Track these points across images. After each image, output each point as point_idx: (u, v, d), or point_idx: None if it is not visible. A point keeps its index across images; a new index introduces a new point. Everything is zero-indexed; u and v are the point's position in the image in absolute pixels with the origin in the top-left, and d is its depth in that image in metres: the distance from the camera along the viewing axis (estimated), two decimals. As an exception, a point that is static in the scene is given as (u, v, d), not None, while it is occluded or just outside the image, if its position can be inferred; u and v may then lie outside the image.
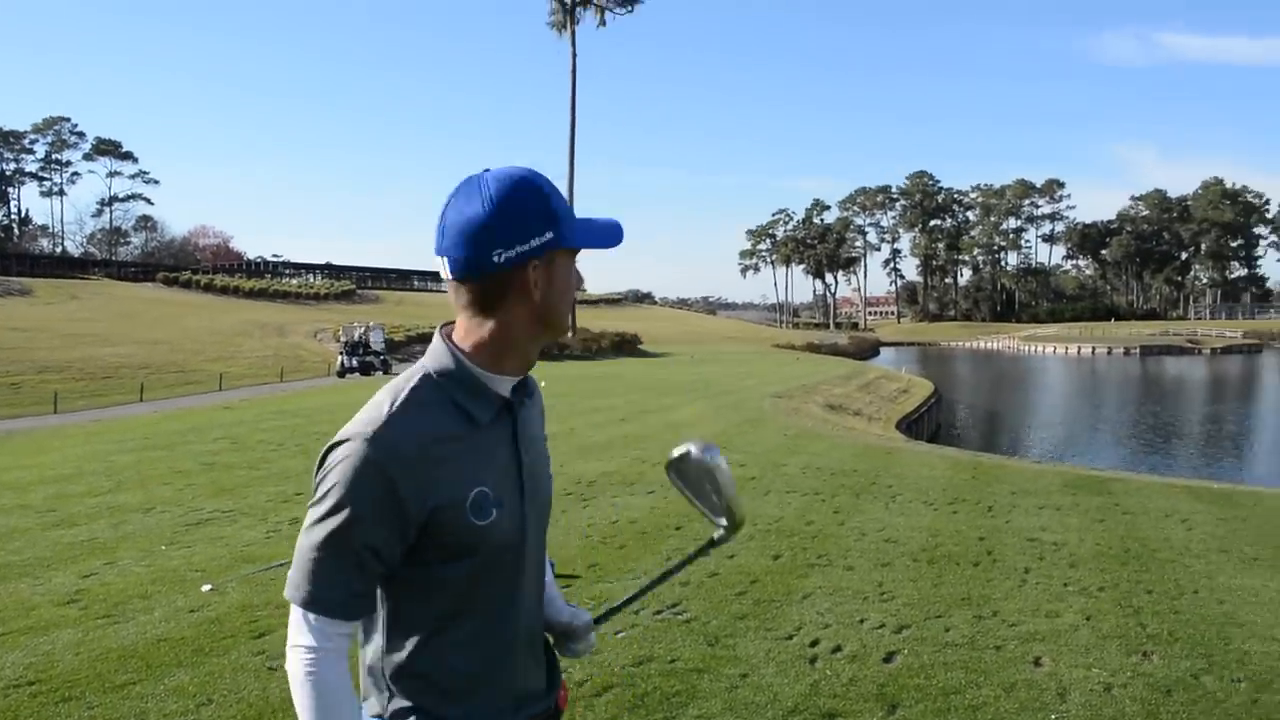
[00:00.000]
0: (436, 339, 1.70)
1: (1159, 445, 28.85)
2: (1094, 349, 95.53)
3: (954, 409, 40.30)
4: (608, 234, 1.71)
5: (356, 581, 1.57)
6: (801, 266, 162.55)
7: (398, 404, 1.59)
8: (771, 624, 5.95)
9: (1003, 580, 7.04)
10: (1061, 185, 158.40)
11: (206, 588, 6.82)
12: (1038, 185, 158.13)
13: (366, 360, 39.68)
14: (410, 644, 1.63)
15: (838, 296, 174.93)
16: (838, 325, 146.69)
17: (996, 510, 9.84)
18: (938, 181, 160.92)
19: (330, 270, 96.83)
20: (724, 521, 1.93)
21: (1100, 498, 10.57)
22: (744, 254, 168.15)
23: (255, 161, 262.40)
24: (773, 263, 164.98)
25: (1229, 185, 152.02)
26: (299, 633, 1.57)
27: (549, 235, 1.62)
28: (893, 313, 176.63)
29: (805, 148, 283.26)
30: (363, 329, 41.80)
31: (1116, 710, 4.67)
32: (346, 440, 1.56)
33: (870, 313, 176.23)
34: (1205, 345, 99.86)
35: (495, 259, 1.59)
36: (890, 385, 37.56)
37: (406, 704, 1.63)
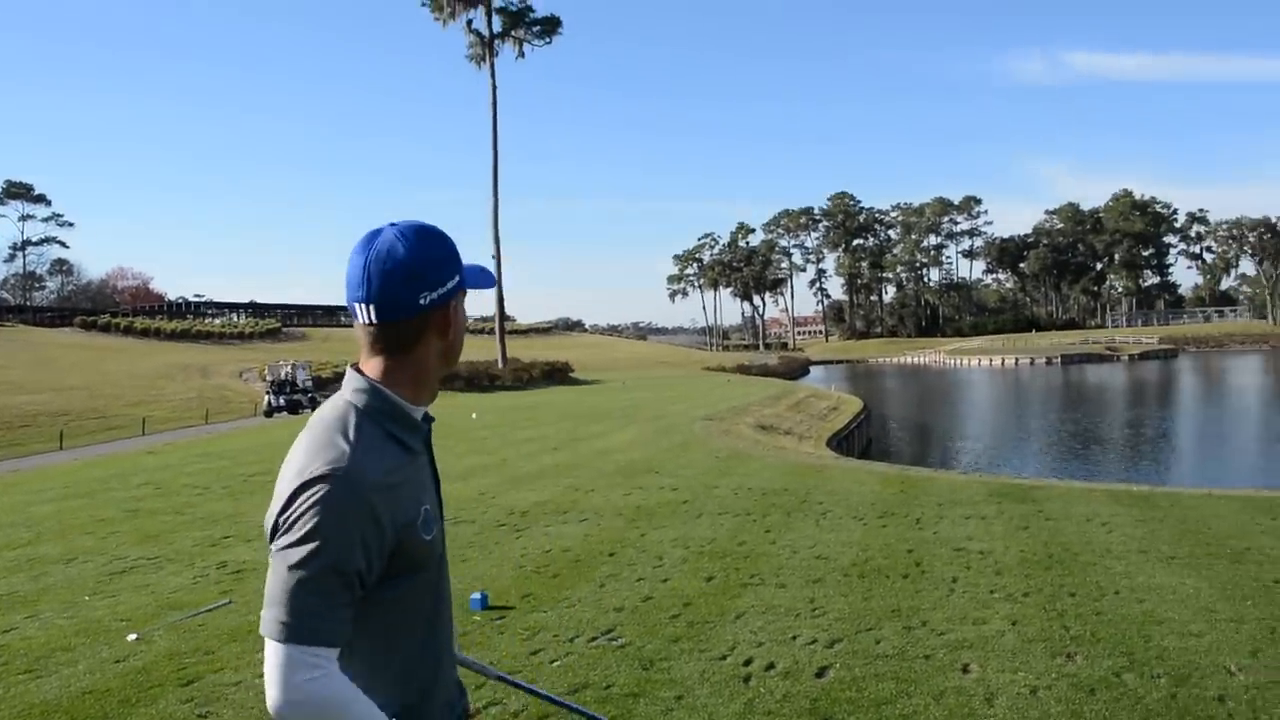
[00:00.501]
0: (357, 378, 1.81)
1: (1081, 452, 29.49)
2: (1017, 360, 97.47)
3: (884, 424, 40.82)
4: (486, 277, 1.96)
5: (346, 609, 1.64)
6: (729, 289, 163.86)
7: (353, 440, 1.70)
8: (706, 645, 5.98)
9: (931, 591, 7.16)
10: (979, 202, 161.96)
11: (132, 637, 6.67)
12: (956, 202, 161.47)
13: (294, 399, 39.07)
14: (370, 659, 1.73)
15: (766, 317, 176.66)
16: (767, 346, 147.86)
17: (924, 522, 10.00)
18: (858, 202, 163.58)
19: (254, 309, 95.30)
20: None
21: (1024, 505, 10.80)
22: (672, 279, 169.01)
23: (175, 201, 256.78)
24: (701, 286, 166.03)
25: (1138, 197, 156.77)
26: (293, 669, 1.59)
27: (458, 279, 1.85)
28: (821, 331, 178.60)
29: (729, 172, 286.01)
30: (289, 367, 41.22)
31: (1042, 712, 4.78)
32: (320, 478, 1.64)
33: (799, 332, 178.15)
34: (1123, 352, 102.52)
35: (422, 301, 1.77)
36: (820, 403, 37.94)
37: (393, 700, 1.74)
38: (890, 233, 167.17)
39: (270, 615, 1.62)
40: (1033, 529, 9.43)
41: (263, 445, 23.07)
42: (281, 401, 38.64)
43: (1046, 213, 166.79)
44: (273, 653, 1.61)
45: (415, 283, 1.76)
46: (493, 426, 26.10)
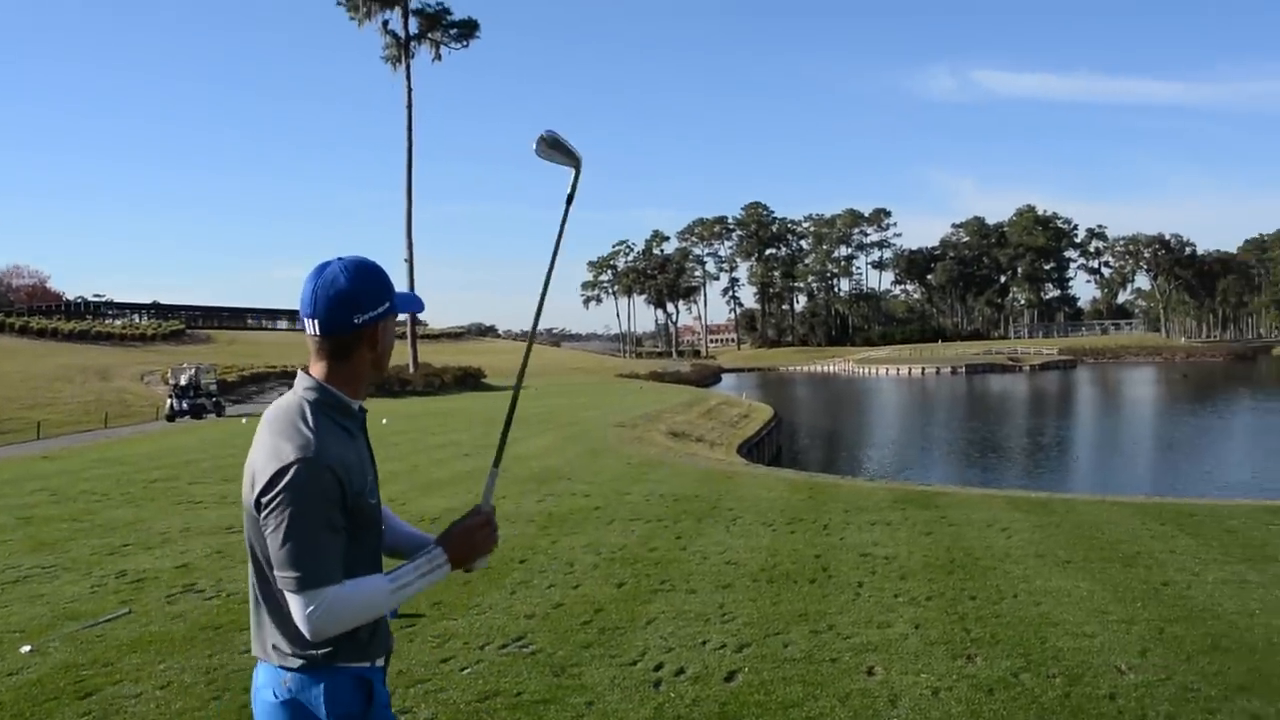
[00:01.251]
0: (306, 378, 2.27)
1: (981, 459, 30.27)
2: (924, 369, 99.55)
3: (794, 431, 41.36)
4: (415, 303, 2.49)
5: (338, 554, 2.11)
6: (643, 296, 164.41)
7: (314, 428, 2.16)
8: (616, 651, 6.02)
9: (838, 595, 7.30)
10: (888, 214, 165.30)
11: (26, 649, 6.46)
12: (866, 214, 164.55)
13: (198, 403, 38.09)
14: None
15: (679, 325, 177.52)
16: (680, 353, 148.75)
17: (832, 528, 10.18)
18: (772, 212, 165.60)
19: (157, 310, 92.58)
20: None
21: (928, 511, 11.06)
22: (586, 285, 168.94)
23: (74, 198, 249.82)
24: (615, 293, 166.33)
25: (1041, 212, 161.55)
26: (313, 602, 2.05)
27: (387, 304, 2.31)
28: (733, 339, 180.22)
29: (644, 180, 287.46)
30: (193, 370, 40.07)
31: (943, 712, 4.91)
32: (296, 461, 2.08)
33: (711, 340, 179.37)
34: (1025, 362, 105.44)
35: (355, 321, 2.25)
36: (731, 411, 38.28)
37: (329, 651, 2.16)
38: (802, 243, 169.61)
39: (285, 576, 2.07)
40: (936, 534, 9.66)
41: (165, 450, 22.49)
42: (185, 405, 37.64)
43: (953, 226, 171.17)
44: (295, 602, 2.06)
45: (351, 307, 2.23)
46: (404, 432, 25.83)
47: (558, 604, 7.18)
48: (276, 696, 2.17)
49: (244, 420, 34.04)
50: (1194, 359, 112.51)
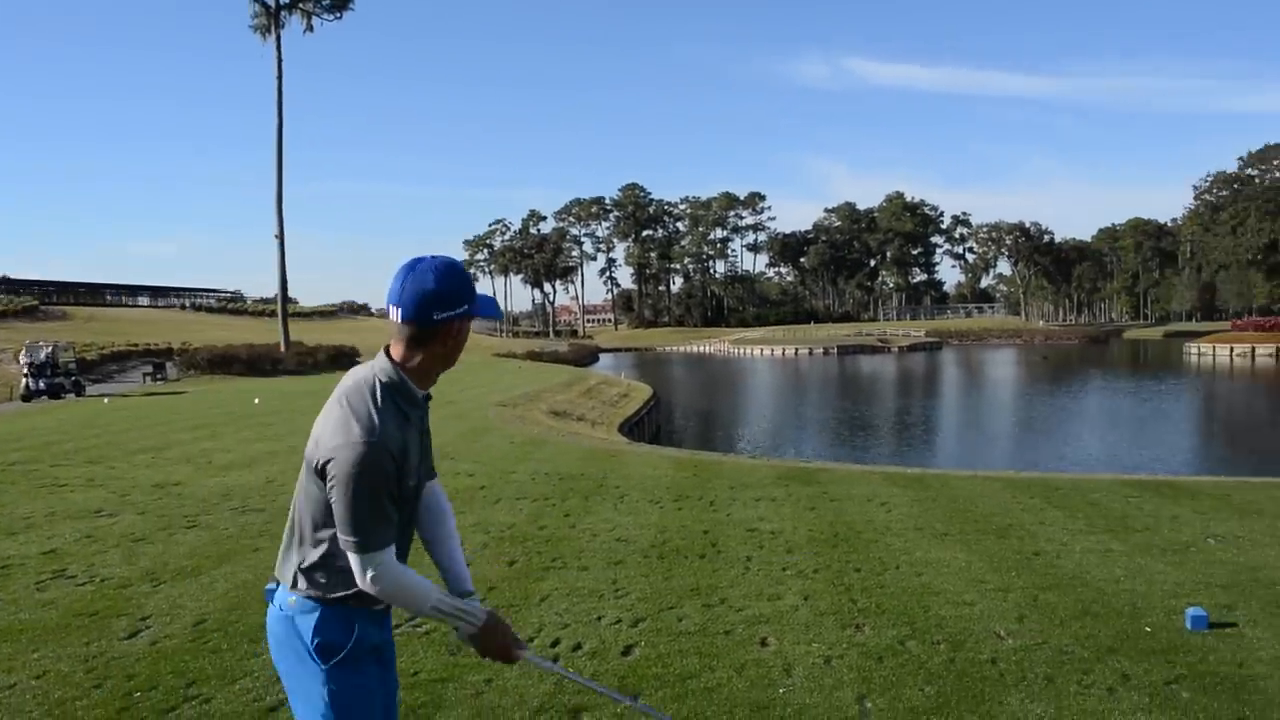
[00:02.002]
0: (385, 359, 2.54)
1: (852, 438, 31.06)
2: (797, 350, 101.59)
3: (672, 411, 41.72)
4: (496, 311, 2.79)
5: (392, 521, 2.46)
6: (520, 276, 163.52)
7: (380, 410, 2.44)
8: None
9: (728, 569, 7.42)
10: (763, 198, 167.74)
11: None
12: (741, 198, 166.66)
13: (55, 382, 36.28)
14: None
15: (557, 305, 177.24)
16: (557, 333, 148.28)
17: (718, 504, 10.33)
18: (649, 194, 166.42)
19: (7, 285, 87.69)
20: None
21: (810, 487, 11.31)
22: (462, 264, 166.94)
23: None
24: (491, 273, 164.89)
25: (909, 199, 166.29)
26: (371, 564, 2.41)
27: (466, 307, 2.53)
28: (610, 320, 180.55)
29: (520, 159, 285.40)
30: (50, 348, 38.12)
31: (836, 680, 5.05)
32: (363, 445, 2.37)
33: (589, 320, 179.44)
34: (894, 344, 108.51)
35: (435, 317, 2.49)
36: (611, 390, 38.41)
37: (343, 594, 2.50)
38: (679, 225, 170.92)
39: (347, 539, 2.40)
40: (819, 509, 9.89)
41: (22, 432, 21.41)
42: (42, 385, 35.82)
43: (826, 210, 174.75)
44: (355, 561, 2.41)
45: (433, 304, 2.47)
46: (278, 412, 25.16)
47: (449, 583, 7.12)
48: (282, 611, 2.56)
49: (106, 400, 32.69)
50: (1051, 341, 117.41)
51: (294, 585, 2.54)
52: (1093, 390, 49.84)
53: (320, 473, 2.43)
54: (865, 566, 7.44)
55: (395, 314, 2.49)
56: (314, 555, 2.51)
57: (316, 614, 2.51)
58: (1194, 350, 78.40)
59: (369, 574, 2.41)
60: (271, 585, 2.61)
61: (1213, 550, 7.87)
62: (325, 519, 2.48)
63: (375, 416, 2.41)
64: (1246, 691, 4.82)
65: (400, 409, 2.50)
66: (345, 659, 2.52)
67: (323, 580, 2.51)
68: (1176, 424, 34.12)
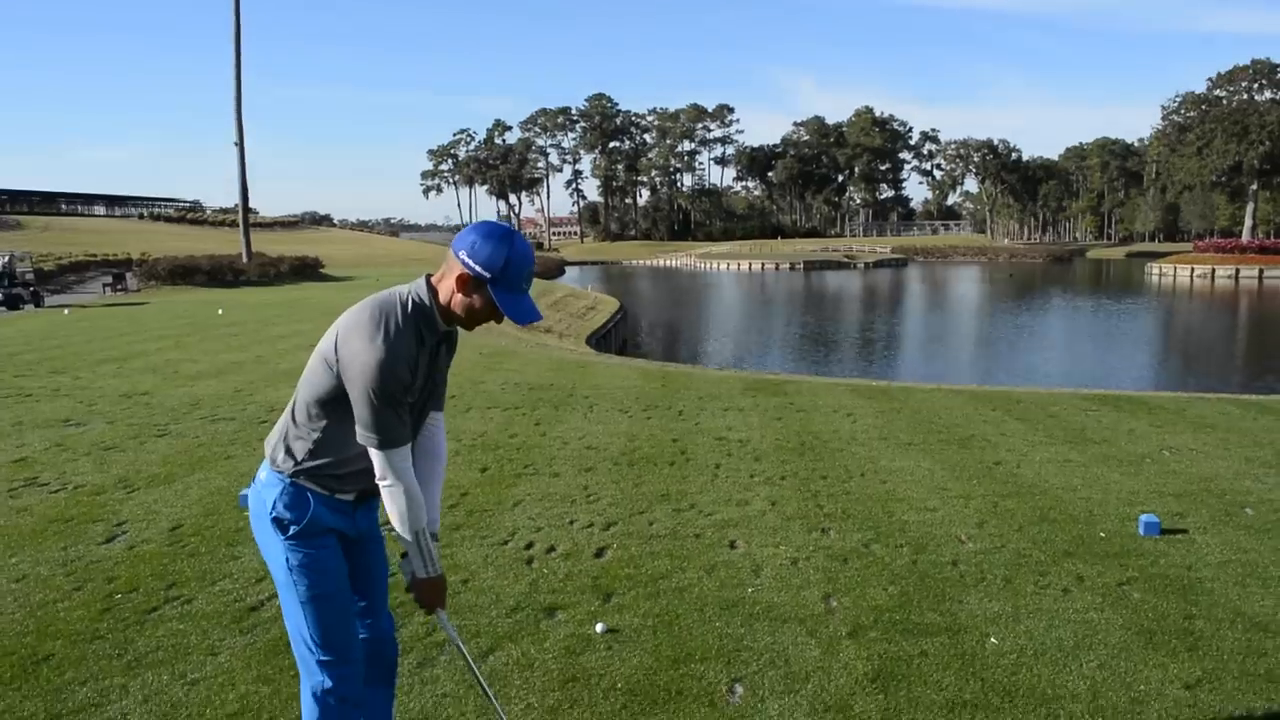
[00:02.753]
0: (423, 282, 2.70)
1: (815, 352, 31.33)
2: (763, 265, 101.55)
3: (639, 323, 41.81)
4: (520, 314, 2.68)
5: (406, 422, 2.65)
6: (485, 187, 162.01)
7: (401, 327, 2.60)
8: (486, 532, 6.13)
9: (697, 476, 7.57)
10: (731, 110, 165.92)
11: None
12: (709, 110, 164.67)
13: (13, 293, 35.62)
14: (333, 442, 2.70)
15: (522, 217, 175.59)
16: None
17: (686, 414, 10.47)
18: (616, 104, 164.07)
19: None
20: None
21: (777, 398, 11.47)
22: (426, 174, 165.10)
23: None
24: (455, 184, 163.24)
25: (878, 114, 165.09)
26: (390, 461, 2.61)
27: (488, 275, 2.60)
28: (576, 233, 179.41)
29: (485, 67, 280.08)
30: (6, 258, 37.41)
31: (803, 580, 5.21)
32: (382, 351, 2.55)
33: (554, 233, 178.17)
34: (859, 260, 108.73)
35: (458, 252, 2.62)
36: (578, 303, 38.38)
37: (305, 477, 2.74)
38: (646, 137, 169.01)
39: (366, 435, 2.59)
40: (785, 420, 10.06)
41: (-19, 341, 21.12)
42: (-1, 296, 35.29)
43: (794, 124, 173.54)
44: (377, 457, 2.60)
45: (466, 245, 2.61)
46: (242, 323, 24.97)
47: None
48: (256, 484, 2.84)
49: (66, 312, 32.23)
50: (1015, 260, 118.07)
51: (271, 461, 2.79)
52: (1053, 309, 50.37)
53: (333, 365, 2.63)
54: (831, 474, 7.61)
55: (463, 254, 2.64)
56: (291, 435, 2.76)
57: (278, 489, 2.75)
58: (1155, 271, 79.11)
59: (388, 469, 2.61)
60: (245, 490, 2.93)
61: (1167, 461, 8.11)
62: (313, 405, 2.71)
63: (397, 328, 2.59)
64: (1194, 593, 5.03)
65: (419, 329, 2.66)
66: (300, 534, 2.73)
67: (290, 460, 2.75)
68: (1134, 342, 34.65)
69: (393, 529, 2.74)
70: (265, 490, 2.78)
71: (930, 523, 6.26)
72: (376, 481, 2.66)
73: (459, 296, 2.66)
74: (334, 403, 2.66)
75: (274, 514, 2.74)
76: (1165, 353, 32.98)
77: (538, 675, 4.08)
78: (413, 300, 2.67)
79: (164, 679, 4.06)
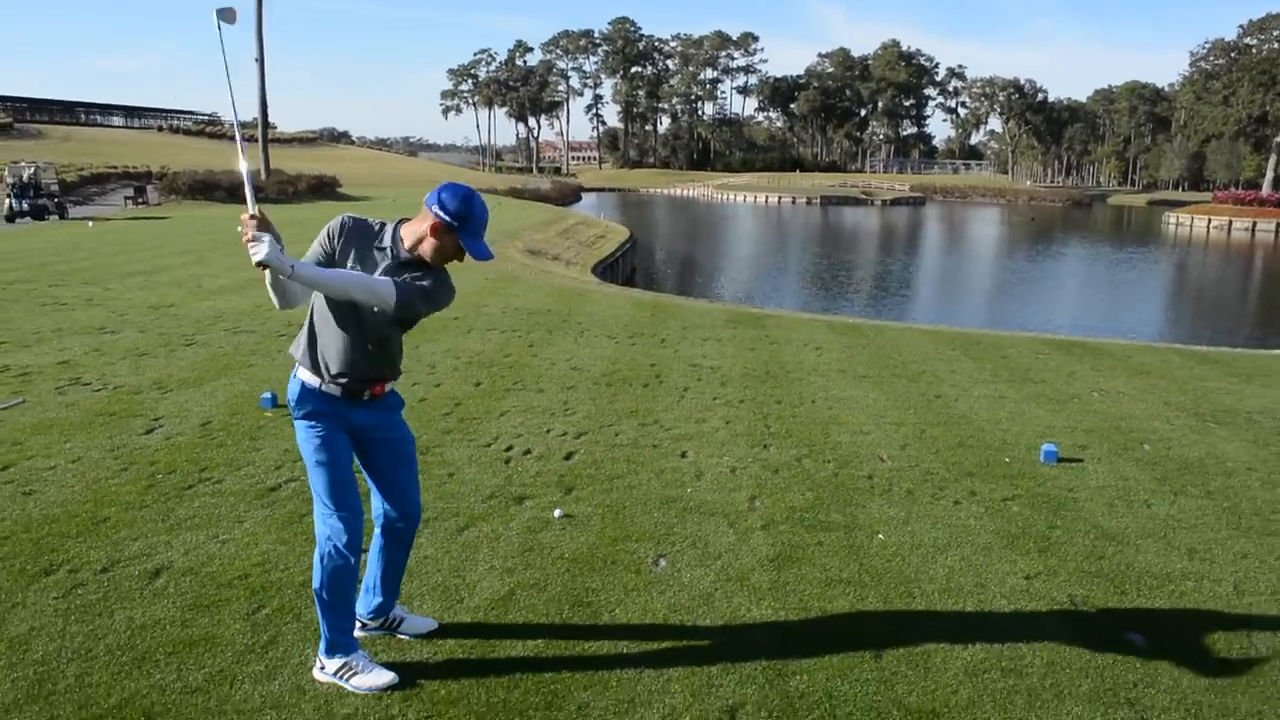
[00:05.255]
0: (395, 223, 3.56)
1: (818, 288, 32.14)
2: (780, 198, 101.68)
3: (650, 253, 42.59)
4: (479, 251, 3.54)
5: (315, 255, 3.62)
6: (504, 109, 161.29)
7: (361, 222, 3.58)
8: (473, 436, 7.09)
9: (665, 397, 8.52)
10: (756, 39, 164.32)
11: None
12: (734, 38, 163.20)
13: (39, 203, 36.46)
14: (312, 335, 3.60)
15: (541, 140, 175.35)
16: (541, 170, 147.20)
17: (668, 342, 11.40)
18: (639, 29, 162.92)
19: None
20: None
21: (755, 330, 12.39)
22: (445, 94, 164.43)
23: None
24: (475, 104, 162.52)
25: (905, 48, 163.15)
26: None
27: (455, 224, 3.43)
28: (595, 158, 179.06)
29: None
30: (32, 169, 38.20)
31: (735, 484, 6.17)
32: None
33: (573, 158, 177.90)
34: (877, 197, 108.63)
35: (429, 205, 3.42)
36: (588, 231, 39.12)
37: (301, 369, 3.61)
38: (668, 63, 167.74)
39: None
40: (758, 350, 10.98)
41: (13, 252, 22.08)
42: (25, 206, 36.06)
43: (819, 55, 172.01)
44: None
45: (436, 201, 3.42)
46: (261, 240, 25.83)
47: (422, 399, 8.18)
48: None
49: (90, 224, 33.18)
50: (1035, 203, 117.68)
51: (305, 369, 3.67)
52: (1056, 255, 50.83)
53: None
54: (785, 399, 8.54)
55: (437, 208, 3.44)
56: (300, 334, 3.65)
57: (291, 377, 3.68)
58: (1172, 220, 79.04)
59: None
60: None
61: (1093, 401, 9.00)
62: (309, 309, 3.63)
63: (354, 216, 3.62)
64: (1065, 509, 5.95)
65: (380, 245, 3.55)
66: (302, 415, 3.62)
67: (295, 354, 3.65)
68: (1130, 293, 35.29)
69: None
70: (291, 378, 3.67)
71: (860, 444, 7.19)
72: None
73: (431, 240, 3.45)
74: (316, 303, 3.58)
75: (288, 397, 3.66)
76: (1163, 303, 33.65)
77: (501, 546, 5.05)
78: (384, 223, 3.59)
79: (200, 538, 5.04)
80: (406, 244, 3.51)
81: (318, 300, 3.57)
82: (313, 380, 3.61)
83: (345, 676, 3.66)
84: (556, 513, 5.51)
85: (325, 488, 3.61)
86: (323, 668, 3.71)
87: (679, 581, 4.69)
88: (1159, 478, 6.62)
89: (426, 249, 3.49)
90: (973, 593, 4.69)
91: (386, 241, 3.54)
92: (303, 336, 3.63)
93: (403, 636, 4.06)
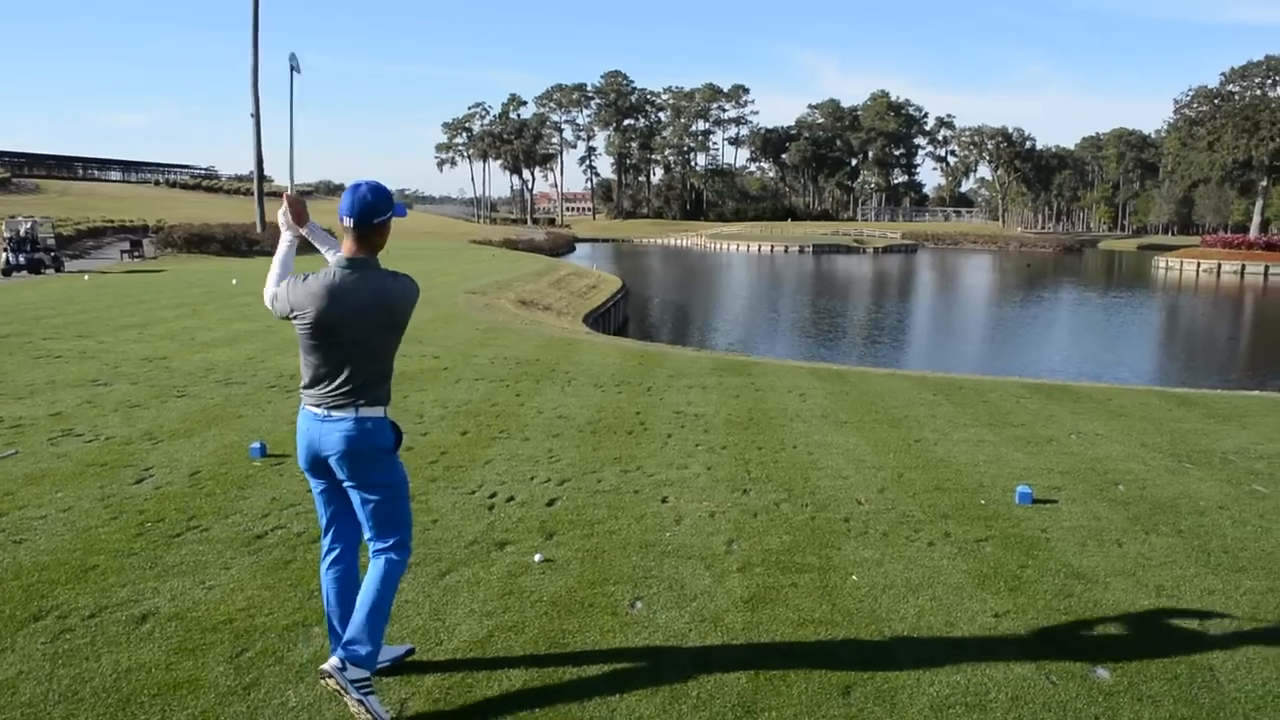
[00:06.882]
0: (340, 256, 3.87)
1: (810, 337, 32.32)
2: (773, 247, 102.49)
3: (644, 303, 42.86)
4: (403, 209, 3.97)
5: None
6: (499, 161, 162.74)
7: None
8: (458, 484, 7.21)
9: (649, 443, 8.64)
10: (746, 91, 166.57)
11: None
12: (725, 90, 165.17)
13: (35, 257, 36.74)
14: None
15: (536, 192, 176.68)
16: (535, 221, 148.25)
17: (654, 390, 11.54)
18: (631, 82, 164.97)
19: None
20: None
21: (740, 378, 12.54)
22: (440, 147, 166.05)
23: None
24: (470, 157, 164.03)
25: (894, 98, 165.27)
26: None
27: (390, 212, 3.86)
28: (589, 209, 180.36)
29: (501, 41, 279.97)
30: (29, 223, 38.52)
31: (714, 528, 6.28)
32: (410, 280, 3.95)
33: (567, 209, 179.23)
34: (869, 245, 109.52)
35: (374, 221, 3.80)
36: (580, 281, 39.39)
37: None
38: (661, 115, 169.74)
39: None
40: (742, 397, 11.12)
41: (9, 305, 22.27)
42: (22, 260, 36.34)
43: (809, 106, 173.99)
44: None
45: (372, 213, 3.78)
46: (256, 293, 25.89)
47: (408, 447, 8.27)
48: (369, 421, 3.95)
49: (85, 277, 33.39)
50: (1026, 249, 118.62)
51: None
52: (1053, 301, 51.20)
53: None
54: (767, 445, 8.67)
55: (349, 221, 3.79)
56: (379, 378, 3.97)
57: (376, 420, 3.93)
58: (1162, 264, 79.72)
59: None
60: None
61: (1070, 444, 9.14)
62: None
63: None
64: (1037, 548, 6.06)
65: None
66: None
67: (382, 398, 3.96)
68: (1114, 338, 35.55)
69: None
70: (374, 424, 3.89)
71: (839, 488, 7.32)
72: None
73: (384, 237, 3.92)
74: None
75: (384, 441, 3.92)
76: (1152, 347, 33.89)
77: (482, 589, 5.15)
78: (338, 264, 3.91)
79: (187, 584, 5.14)
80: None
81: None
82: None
83: (366, 691, 3.71)
84: (537, 557, 5.62)
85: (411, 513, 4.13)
86: (343, 668, 3.68)
87: (654, 623, 4.79)
88: (1131, 517, 6.74)
89: (379, 249, 3.95)
90: (942, 631, 4.79)
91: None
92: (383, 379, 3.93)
93: (381, 663, 4.14)
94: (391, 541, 3.95)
